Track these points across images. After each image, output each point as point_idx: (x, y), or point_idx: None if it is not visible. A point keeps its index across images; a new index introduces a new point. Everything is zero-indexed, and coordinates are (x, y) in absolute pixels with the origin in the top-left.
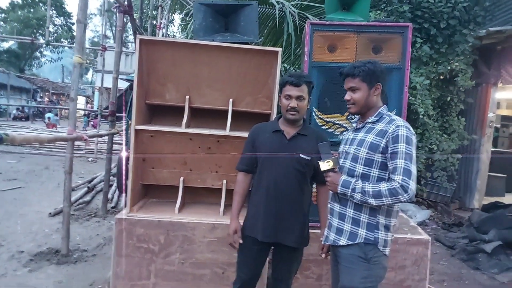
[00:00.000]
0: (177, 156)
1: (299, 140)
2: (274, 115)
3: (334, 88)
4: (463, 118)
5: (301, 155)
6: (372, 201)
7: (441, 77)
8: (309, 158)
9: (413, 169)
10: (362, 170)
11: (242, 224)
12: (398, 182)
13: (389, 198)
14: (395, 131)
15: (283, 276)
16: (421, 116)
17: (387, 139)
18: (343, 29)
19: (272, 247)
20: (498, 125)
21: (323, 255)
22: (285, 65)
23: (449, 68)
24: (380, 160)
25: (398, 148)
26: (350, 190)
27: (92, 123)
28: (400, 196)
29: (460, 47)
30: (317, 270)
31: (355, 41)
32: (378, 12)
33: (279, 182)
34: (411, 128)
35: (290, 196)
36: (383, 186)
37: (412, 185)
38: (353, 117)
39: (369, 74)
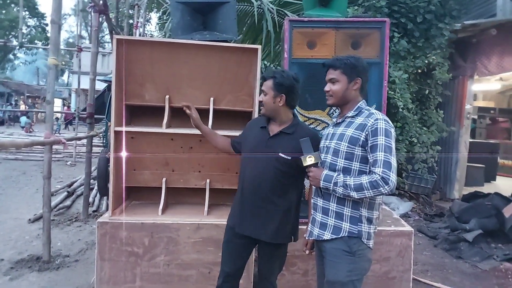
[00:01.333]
0: (158, 157)
1: (281, 138)
2: (255, 113)
3: (315, 84)
4: (441, 110)
5: (280, 154)
6: (354, 194)
7: (419, 71)
8: (289, 158)
9: (393, 161)
10: (343, 164)
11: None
12: (378, 174)
13: (370, 191)
14: (374, 124)
15: (266, 272)
16: (400, 110)
17: (367, 132)
18: (322, 25)
19: (257, 245)
20: (475, 117)
21: (307, 252)
22: (265, 62)
23: (426, 61)
24: (360, 153)
25: (377, 141)
26: (332, 184)
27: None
28: (381, 188)
29: (437, 41)
30: (303, 265)
31: (334, 37)
32: (356, 7)
33: (257, 178)
34: (390, 121)
35: (266, 193)
36: (364, 179)
37: (393, 177)
38: (334, 112)
39: (350, 68)
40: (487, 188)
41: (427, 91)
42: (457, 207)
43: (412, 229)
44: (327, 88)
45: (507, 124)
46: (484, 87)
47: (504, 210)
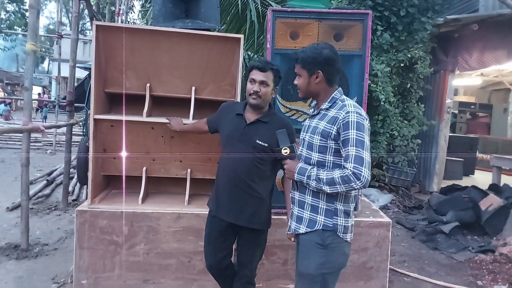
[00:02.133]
0: (139, 145)
1: (258, 126)
2: None
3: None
4: (422, 104)
5: (257, 141)
6: (326, 189)
7: (401, 64)
8: (266, 145)
9: (365, 155)
10: (318, 157)
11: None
12: (350, 169)
13: (342, 186)
14: (345, 117)
15: (245, 260)
16: (382, 103)
17: (338, 126)
18: (305, 16)
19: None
20: (456, 111)
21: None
22: (249, 52)
23: (409, 55)
24: (334, 146)
25: (348, 135)
26: (305, 178)
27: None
28: (353, 184)
29: (419, 35)
30: (283, 255)
31: (317, 28)
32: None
33: (235, 164)
34: (363, 113)
35: (243, 179)
36: (336, 174)
37: (365, 172)
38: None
39: (307, 62)
40: (465, 182)
41: (408, 85)
42: (435, 199)
43: (390, 220)
44: (295, 81)
45: (487, 119)
46: (465, 82)
47: (480, 203)
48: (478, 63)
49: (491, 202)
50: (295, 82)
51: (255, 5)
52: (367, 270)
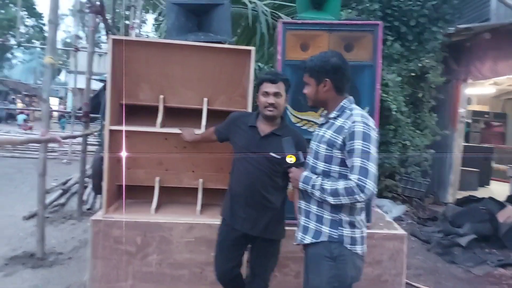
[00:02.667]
0: (152, 156)
1: (272, 139)
2: None
3: None
4: (435, 114)
5: (271, 154)
6: (330, 199)
7: (413, 74)
8: (279, 157)
9: (371, 167)
10: (323, 167)
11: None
12: (354, 181)
13: (346, 197)
14: (351, 127)
15: (259, 271)
16: (393, 113)
17: (344, 135)
18: (315, 28)
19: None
20: (470, 120)
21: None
22: (259, 64)
23: (420, 65)
24: (340, 156)
25: (354, 146)
26: (310, 187)
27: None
28: (356, 196)
29: (430, 45)
30: (295, 267)
31: (327, 40)
32: (349, 10)
33: (250, 176)
34: (370, 123)
35: (258, 190)
36: (341, 185)
37: (369, 184)
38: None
39: (315, 70)
40: (481, 193)
41: (420, 94)
42: (450, 211)
43: (405, 233)
44: (304, 90)
45: (501, 129)
46: (478, 91)
47: (498, 215)
48: (491, 72)
49: (510, 214)
50: (304, 91)
51: (265, 18)
52: (381, 284)
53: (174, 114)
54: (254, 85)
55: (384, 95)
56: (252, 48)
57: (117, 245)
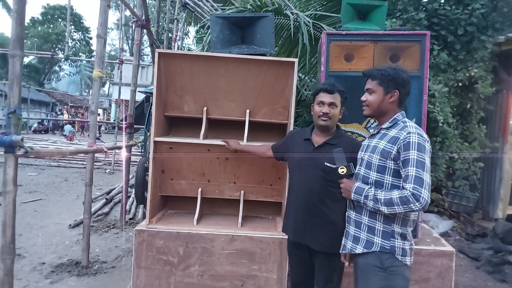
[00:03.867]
0: (195, 167)
1: (326, 148)
2: (291, 126)
3: (352, 98)
4: (484, 125)
5: (325, 163)
6: (384, 209)
7: (460, 84)
8: (334, 166)
9: (426, 177)
10: (376, 177)
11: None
12: (409, 190)
13: (400, 207)
14: (406, 138)
15: (321, 284)
16: (440, 124)
17: (399, 146)
18: (360, 39)
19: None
20: None
21: (347, 263)
22: (300, 74)
23: (468, 75)
24: (393, 167)
25: (409, 156)
26: (363, 197)
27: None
28: (411, 205)
29: (479, 54)
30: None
31: (372, 50)
32: (394, 20)
33: (306, 187)
34: (424, 135)
35: (315, 203)
36: (395, 194)
37: (424, 194)
38: (371, 125)
39: (387, 79)
40: None
41: (468, 105)
42: (501, 227)
43: (454, 249)
44: (363, 97)
45: None
46: None
47: None
48: None
49: None
50: (364, 98)
51: (307, 28)
52: None
53: (217, 126)
54: (310, 95)
55: (430, 106)
56: (295, 60)
57: (160, 256)
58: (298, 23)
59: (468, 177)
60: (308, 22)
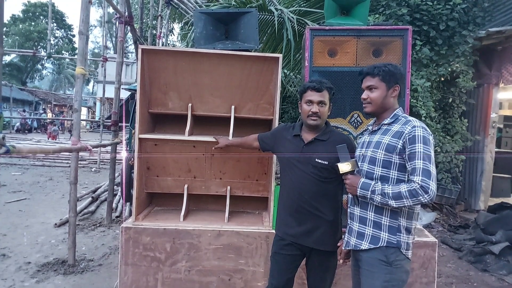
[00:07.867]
0: (181, 164)
1: (316, 145)
2: (276, 121)
3: (336, 93)
4: (465, 119)
5: (316, 160)
6: (392, 203)
7: (442, 78)
8: (326, 163)
9: (432, 169)
10: (381, 172)
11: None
12: (417, 183)
13: (409, 200)
14: (411, 131)
15: (316, 284)
16: (423, 118)
17: (404, 140)
18: (343, 34)
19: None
20: (501, 126)
21: (341, 261)
22: (285, 70)
23: (449, 69)
24: (398, 161)
25: (415, 149)
26: (369, 192)
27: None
28: (420, 197)
29: (460, 48)
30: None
31: (355, 45)
32: (377, 16)
33: (298, 185)
34: (428, 129)
35: (308, 200)
36: (403, 188)
37: (433, 185)
38: (355, 120)
39: (388, 75)
40: None
41: (450, 99)
42: (482, 218)
43: (436, 240)
44: (364, 95)
45: None
46: (510, 95)
47: None
48: None
49: None
50: (366, 96)
51: (291, 24)
52: None
53: (202, 122)
54: (297, 92)
55: (413, 100)
56: (280, 56)
57: (147, 252)
58: (282, 19)
59: (450, 169)
60: (292, 18)
